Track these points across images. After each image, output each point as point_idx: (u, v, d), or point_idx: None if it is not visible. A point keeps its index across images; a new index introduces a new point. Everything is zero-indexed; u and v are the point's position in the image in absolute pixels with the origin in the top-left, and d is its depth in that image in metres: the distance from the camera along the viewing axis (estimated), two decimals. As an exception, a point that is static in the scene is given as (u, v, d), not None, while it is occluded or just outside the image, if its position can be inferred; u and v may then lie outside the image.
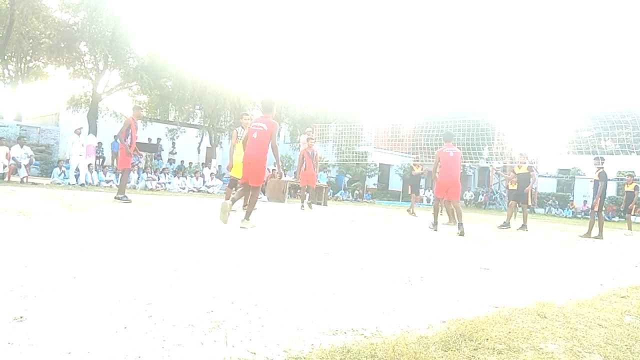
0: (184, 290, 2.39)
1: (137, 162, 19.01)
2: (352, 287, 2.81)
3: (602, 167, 9.74)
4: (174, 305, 2.08)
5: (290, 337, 1.80)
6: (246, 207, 6.32)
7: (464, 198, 32.44)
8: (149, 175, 17.02)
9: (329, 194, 19.04)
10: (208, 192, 17.92)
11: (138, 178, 16.57)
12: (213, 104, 21.67)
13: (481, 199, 31.66)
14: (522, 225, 10.30)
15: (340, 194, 24.94)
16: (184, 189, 17.19)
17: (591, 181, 14.10)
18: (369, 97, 31.06)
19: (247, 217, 5.90)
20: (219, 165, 23.21)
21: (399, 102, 33.92)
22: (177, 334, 1.72)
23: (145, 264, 2.96)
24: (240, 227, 5.66)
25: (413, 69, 41.30)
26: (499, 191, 31.88)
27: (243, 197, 6.51)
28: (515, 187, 10.84)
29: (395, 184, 32.84)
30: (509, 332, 2.08)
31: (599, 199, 9.53)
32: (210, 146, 25.38)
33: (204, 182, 18.83)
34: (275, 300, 2.34)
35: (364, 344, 1.77)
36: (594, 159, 10.04)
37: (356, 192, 26.47)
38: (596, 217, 9.70)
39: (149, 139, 23.21)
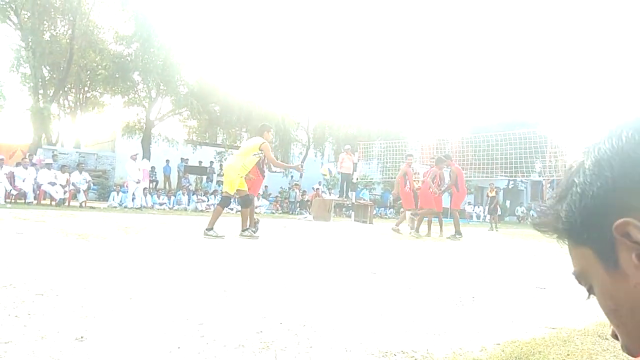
0: (234, 310, 2.43)
1: (187, 185, 19.68)
2: (401, 308, 2.76)
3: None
4: (224, 325, 2.12)
5: (338, 359, 1.79)
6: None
7: (517, 213, 31.29)
8: (199, 197, 17.52)
9: (374, 212, 18.90)
10: (255, 212, 18.19)
11: (189, 200, 17.11)
12: (259, 126, 22.19)
13: (534, 214, 30.44)
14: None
15: (385, 212, 24.72)
16: (232, 209, 17.55)
17: None
18: (413, 112, 30.78)
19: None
20: (266, 186, 23.60)
21: (445, 116, 33.39)
22: (228, 354, 1.75)
23: (196, 285, 3.03)
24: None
25: (458, 81, 40.71)
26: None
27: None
28: None
29: (443, 200, 32.15)
30: (568, 355, 1.98)
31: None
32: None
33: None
34: (323, 320, 2.34)
35: (414, 367, 1.74)
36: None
37: (402, 209, 26.09)
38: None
39: (199, 162, 23.97)
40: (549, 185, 31.80)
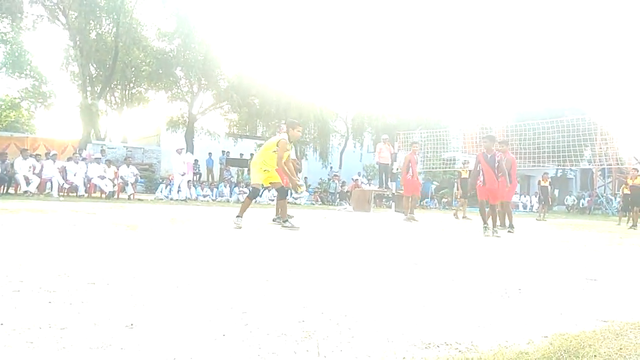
0: (276, 299, 2.46)
1: (229, 177, 20.05)
2: (444, 299, 2.72)
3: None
4: (267, 314, 2.16)
5: (380, 349, 1.78)
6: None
7: (565, 203, 30.13)
8: (240, 189, 17.84)
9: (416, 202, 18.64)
10: (296, 203, 18.37)
11: (231, 192, 17.43)
12: (298, 117, 22.32)
13: (584, 203, 29.19)
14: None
15: (427, 202, 24.34)
16: (272, 200, 17.77)
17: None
18: (454, 100, 30.03)
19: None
20: (305, 177, 23.74)
21: (487, 103, 32.40)
22: (271, 342, 1.78)
23: (239, 274, 3.10)
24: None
25: (501, 67, 39.33)
26: (604, 194, 29.19)
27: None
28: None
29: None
30: (620, 349, 1.89)
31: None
32: (295, 158, 26.05)
33: (291, 193, 19.34)
34: (365, 311, 2.34)
35: (458, 359, 1.71)
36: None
37: (444, 199, 25.66)
38: None
39: (240, 154, 24.37)
40: (599, 173, 30.41)
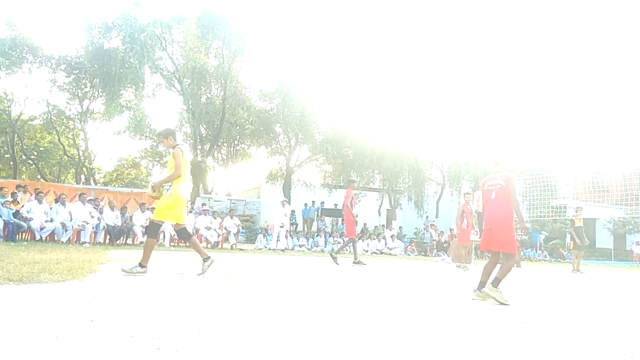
0: (375, 355, 2.39)
1: (324, 227, 20.29)
2: (559, 363, 2.45)
3: None
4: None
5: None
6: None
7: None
8: (335, 238, 17.94)
9: (522, 254, 17.39)
10: (390, 254, 18.01)
11: (325, 242, 17.60)
12: (391, 167, 22.32)
13: None
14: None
15: (534, 254, 22.57)
16: (367, 251, 17.63)
17: None
18: (562, 144, 28.09)
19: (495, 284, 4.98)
20: (400, 227, 23.34)
21: (601, 146, 29.86)
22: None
23: (335, 324, 3.06)
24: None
25: (615, 108, 36.24)
26: None
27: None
28: None
29: (604, 240, 28.39)
30: None
31: None
32: (390, 208, 25.79)
33: (386, 243, 19.07)
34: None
35: None
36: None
37: (561, 251, 23.61)
38: None
39: (334, 204, 24.72)
40: None
